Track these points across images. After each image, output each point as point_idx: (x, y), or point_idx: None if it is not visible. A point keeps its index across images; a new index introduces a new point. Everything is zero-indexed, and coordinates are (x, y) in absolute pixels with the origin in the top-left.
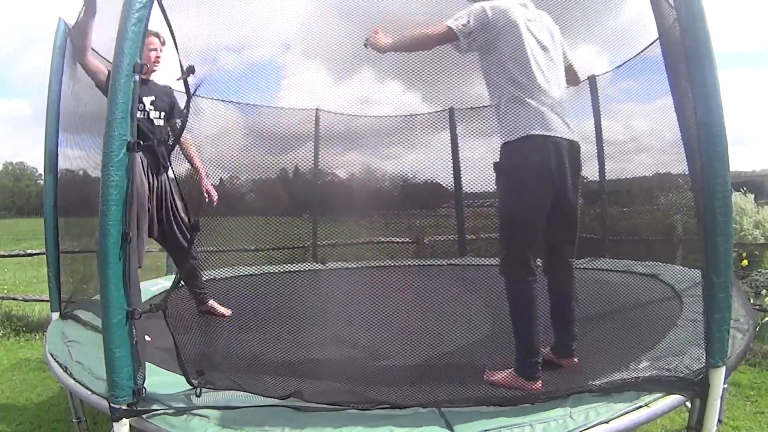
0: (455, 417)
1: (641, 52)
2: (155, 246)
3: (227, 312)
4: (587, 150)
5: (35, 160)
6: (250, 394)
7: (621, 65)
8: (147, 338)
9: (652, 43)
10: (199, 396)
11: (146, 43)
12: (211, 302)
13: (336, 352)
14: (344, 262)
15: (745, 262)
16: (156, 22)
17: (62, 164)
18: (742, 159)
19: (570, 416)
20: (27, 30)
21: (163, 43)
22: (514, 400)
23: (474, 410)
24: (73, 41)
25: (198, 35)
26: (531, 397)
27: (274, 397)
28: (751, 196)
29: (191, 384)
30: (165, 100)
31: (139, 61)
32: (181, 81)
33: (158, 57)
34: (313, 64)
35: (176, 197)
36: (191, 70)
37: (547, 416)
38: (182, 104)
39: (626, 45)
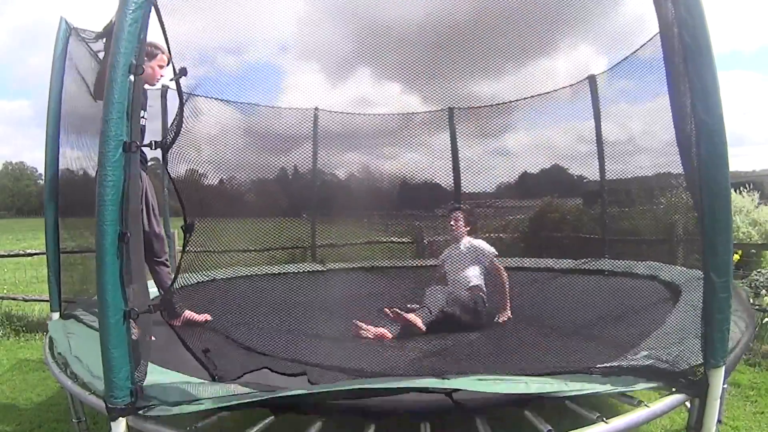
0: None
1: (635, 52)
2: None
3: (207, 317)
4: (588, 150)
5: (36, 160)
6: (249, 391)
7: (617, 65)
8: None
9: (647, 42)
10: (215, 380)
11: (158, 59)
12: (186, 313)
13: (333, 350)
14: (343, 263)
15: (736, 258)
16: (151, 24)
17: (62, 164)
18: (740, 159)
19: (565, 383)
20: (29, 31)
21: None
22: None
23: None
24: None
25: (194, 38)
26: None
27: (283, 373)
28: (756, 195)
29: (212, 375)
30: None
31: (134, 61)
32: (176, 87)
33: (162, 75)
34: (311, 65)
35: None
36: (183, 72)
37: (543, 379)
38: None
39: (623, 45)
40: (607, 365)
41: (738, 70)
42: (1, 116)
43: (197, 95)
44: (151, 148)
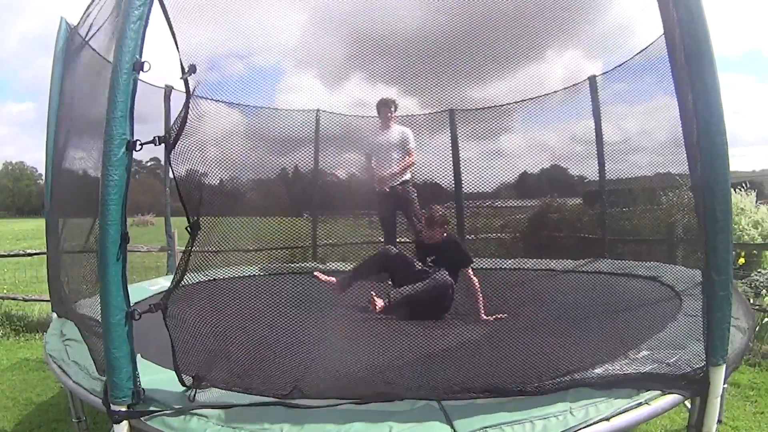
0: (456, 412)
1: (635, 54)
2: (155, 246)
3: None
4: (588, 150)
5: (37, 160)
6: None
7: (618, 66)
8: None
9: (649, 45)
10: (192, 401)
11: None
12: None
13: (335, 349)
14: (344, 262)
15: (741, 261)
16: (156, 22)
17: (63, 165)
18: (735, 160)
19: (570, 412)
20: (36, 36)
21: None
22: (513, 392)
23: (474, 406)
24: None
25: (202, 40)
26: (531, 389)
27: (274, 396)
28: (753, 195)
29: (183, 384)
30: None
31: (138, 58)
32: (183, 83)
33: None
34: (312, 71)
35: None
36: (192, 69)
37: (547, 412)
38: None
39: (621, 47)
40: (609, 372)
41: (726, 73)
42: (9, 117)
43: (203, 97)
44: (155, 145)
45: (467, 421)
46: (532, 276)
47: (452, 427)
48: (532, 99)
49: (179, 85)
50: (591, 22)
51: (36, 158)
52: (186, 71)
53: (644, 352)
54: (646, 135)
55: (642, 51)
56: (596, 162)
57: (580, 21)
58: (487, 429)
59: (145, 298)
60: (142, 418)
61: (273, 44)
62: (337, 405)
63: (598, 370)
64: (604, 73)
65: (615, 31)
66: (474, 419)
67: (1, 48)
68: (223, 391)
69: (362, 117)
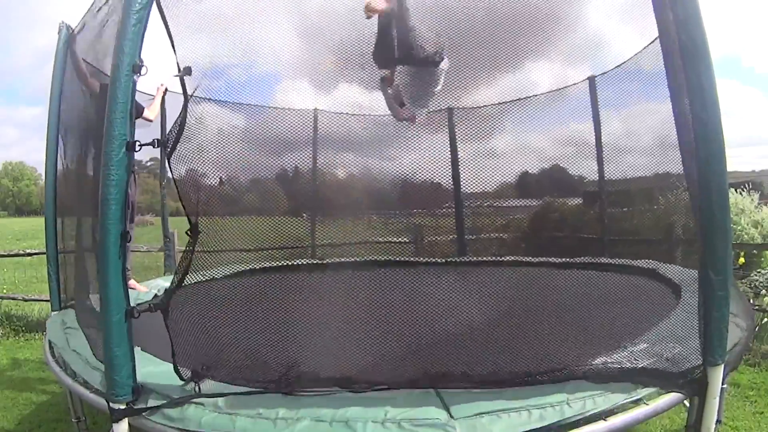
0: (452, 398)
1: (632, 56)
2: (155, 246)
3: None
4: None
5: (38, 161)
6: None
7: (616, 67)
8: None
9: (650, 44)
10: (198, 393)
11: None
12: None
13: (332, 342)
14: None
15: (741, 261)
16: (153, 22)
17: (62, 165)
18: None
19: (567, 403)
20: (52, 46)
21: None
22: (511, 382)
23: (471, 392)
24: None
25: (199, 43)
26: (528, 378)
27: (270, 385)
28: (756, 195)
29: (182, 379)
30: None
31: (138, 60)
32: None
33: None
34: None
35: None
36: (188, 71)
37: (544, 401)
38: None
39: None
40: (607, 364)
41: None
42: (21, 121)
43: (201, 98)
44: (153, 147)
45: (463, 407)
46: (530, 270)
47: (448, 411)
48: (528, 98)
49: (175, 89)
50: (584, 27)
51: (37, 159)
52: (182, 72)
53: (642, 345)
54: (644, 136)
55: (636, 54)
56: (595, 162)
57: (573, 25)
58: (483, 415)
59: (145, 298)
60: (143, 414)
61: (271, 56)
62: (333, 393)
63: (596, 361)
64: (603, 74)
65: (609, 35)
66: (470, 405)
67: (18, 58)
68: (222, 384)
69: (360, 116)
